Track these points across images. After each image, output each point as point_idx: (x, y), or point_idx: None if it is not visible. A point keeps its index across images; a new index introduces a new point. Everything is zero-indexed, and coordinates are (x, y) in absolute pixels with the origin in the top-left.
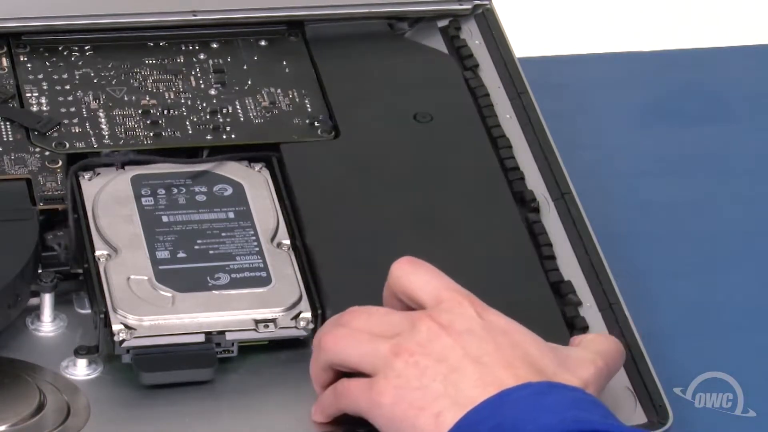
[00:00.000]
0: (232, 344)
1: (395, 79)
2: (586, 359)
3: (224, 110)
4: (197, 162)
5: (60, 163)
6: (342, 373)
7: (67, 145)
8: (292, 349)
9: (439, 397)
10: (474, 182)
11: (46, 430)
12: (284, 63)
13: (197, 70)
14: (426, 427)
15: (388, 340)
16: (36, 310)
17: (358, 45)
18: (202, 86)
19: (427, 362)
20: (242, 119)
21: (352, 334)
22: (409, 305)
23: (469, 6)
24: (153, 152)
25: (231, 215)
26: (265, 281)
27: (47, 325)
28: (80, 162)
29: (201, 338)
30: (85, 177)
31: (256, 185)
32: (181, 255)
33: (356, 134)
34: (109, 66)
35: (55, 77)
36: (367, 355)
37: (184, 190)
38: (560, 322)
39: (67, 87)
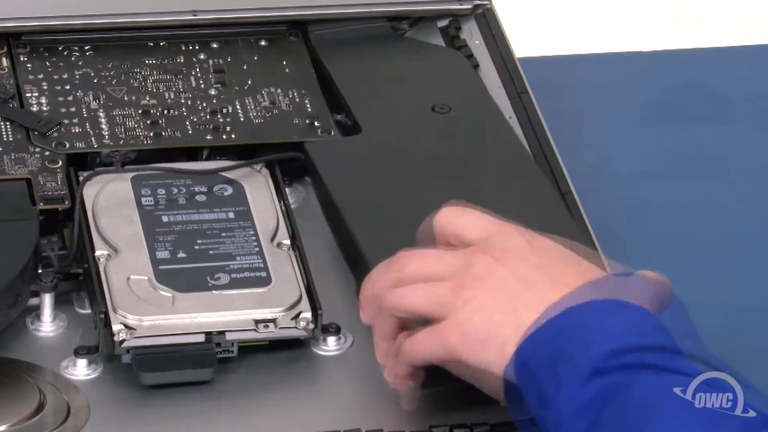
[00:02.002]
0: (232, 344)
1: (406, 76)
2: (639, 280)
3: (224, 110)
4: (224, 168)
5: (60, 163)
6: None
7: (67, 145)
8: (292, 349)
9: (501, 327)
10: (505, 164)
11: (46, 430)
12: (284, 63)
13: (197, 70)
14: (493, 359)
15: (444, 281)
16: (36, 310)
17: (365, 47)
18: (202, 86)
19: (485, 295)
20: (242, 119)
21: (413, 287)
22: (456, 246)
23: (469, 6)
24: (153, 152)
25: (231, 215)
26: (265, 281)
27: (47, 325)
28: (89, 173)
29: (201, 338)
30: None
31: (256, 185)
32: (181, 255)
33: (378, 128)
34: (109, 66)
35: (55, 77)
36: (434, 296)
37: (184, 190)
38: None
39: (67, 87)
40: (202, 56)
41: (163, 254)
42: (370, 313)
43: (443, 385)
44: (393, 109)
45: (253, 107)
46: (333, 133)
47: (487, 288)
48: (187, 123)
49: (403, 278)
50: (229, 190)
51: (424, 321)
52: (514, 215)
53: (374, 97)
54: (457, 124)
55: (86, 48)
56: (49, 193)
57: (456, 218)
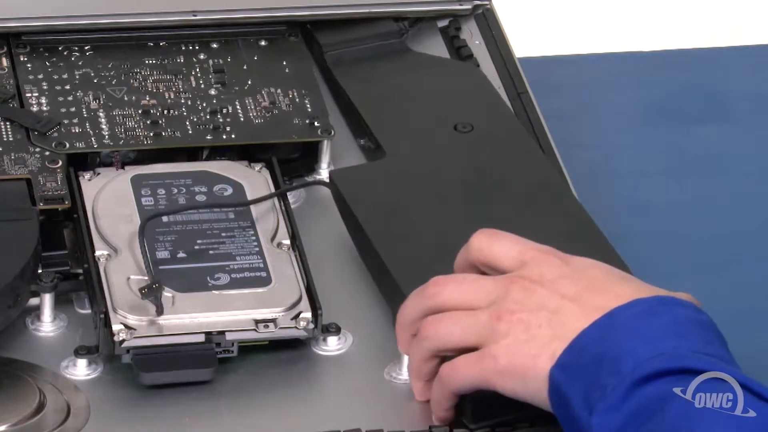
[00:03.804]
0: (232, 344)
1: (425, 94)
2: (671, 292)
3: (224, 110)
4: (261, 200)
5: (60, 163)
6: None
7: (67, 145)
8: (292, 349)
9: (550, 340)
10: (533, 184)
11: (46, 430)
12: (284, 63)
13: (197, 70)
14: (529, 391)
15: (485, 308)
16: (36, 310)
17: (381, 65)
18: (202, 86)
19: (528, 315)
20: (242, 119)
21: (450, 315)
22: (491, 274)
23: (469, 6)
24: (153, 152)
25: (231, 215)
26: (265, 281)
27: (47, 325)
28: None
29: (201, 338)
30: (85, 177)
31: (256, 185)
32: (181, 255)
33: (403, 151)
34: (109, 66)
35: (55, 77)
36: (470, 327)
37: (184, 190)
38: None
39: (67, 87)
40: (202, 56)
41: (163, 254)
42: (405, 342)
43: (493, 418)
44: (416, 130)
45: (253, 107)
46: (333, 132)
47: (530, 308)
48: (187, 123)
49: (437, 306)
50: (229, 190)
51: (460, 350)
52: (546, 235)
53: (396, 118)
54: (481, 143)
55: (86, 48)
56: (49, 193)
57: (488, 247)
